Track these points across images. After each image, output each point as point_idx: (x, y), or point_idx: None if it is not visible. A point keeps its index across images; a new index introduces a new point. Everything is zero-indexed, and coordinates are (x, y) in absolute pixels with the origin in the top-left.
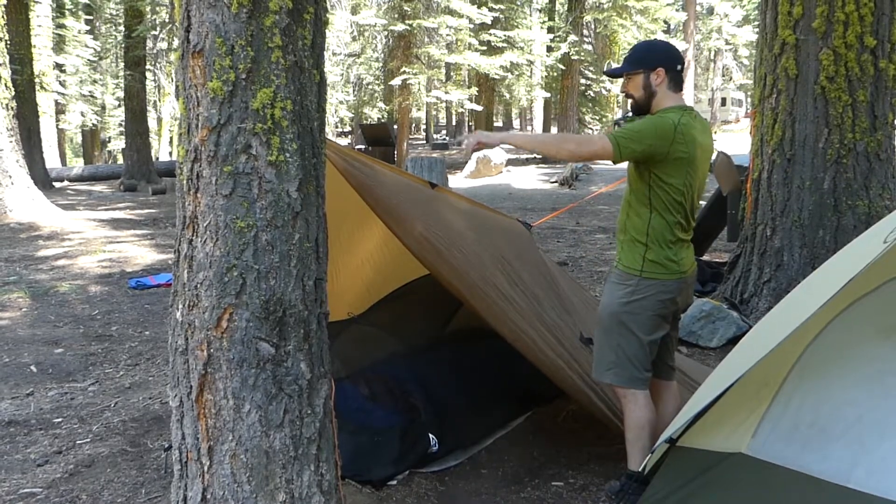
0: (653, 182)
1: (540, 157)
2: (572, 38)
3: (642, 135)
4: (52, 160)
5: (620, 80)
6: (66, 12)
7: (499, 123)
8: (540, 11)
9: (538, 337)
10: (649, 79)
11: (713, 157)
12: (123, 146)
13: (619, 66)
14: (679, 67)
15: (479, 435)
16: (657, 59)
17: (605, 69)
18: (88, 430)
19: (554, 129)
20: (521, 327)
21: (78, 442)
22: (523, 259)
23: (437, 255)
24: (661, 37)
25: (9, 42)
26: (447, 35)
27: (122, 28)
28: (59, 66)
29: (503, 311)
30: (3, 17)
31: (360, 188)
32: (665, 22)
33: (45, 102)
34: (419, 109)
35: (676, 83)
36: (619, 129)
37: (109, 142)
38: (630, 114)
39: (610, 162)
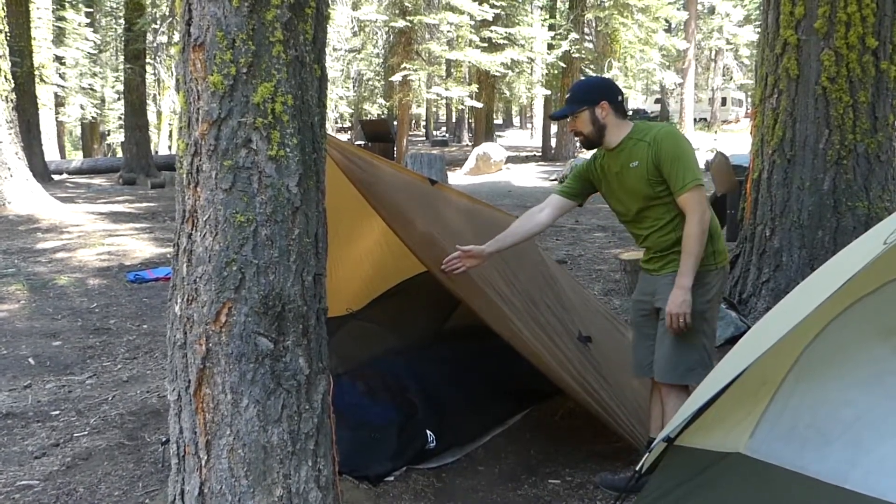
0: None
1: (539, 153)
2: (573, 35)
3: (691, 155)
4: (51, 153)
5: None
6: (66, 4)
7: (499, 121)
8: (541, 9)
9: (533, 336)
10: (595, 114)
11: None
12: (123, 139)
13: (562, 108)
14: (620, 98)
15: (477, 432)
16: (599, 94)
17: (549, 115)
18: (86, 423)
19: (554, 128)
20: (517, 326)
21: (75, 435)
22: (522, 257)
23: (435, 253)
24: (661, 36)
25: (8, 34)
26: (448, 31)
27: (122, 21)
28: (58, 59)
29: (500, 310)
30: (3, 8)
31: (359, 185)
32: (666, 21)
33: (44, 95)
34: (419, 106)
35: (622, 112)
36: (683, 171)
37: (109, 135)
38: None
39: None
